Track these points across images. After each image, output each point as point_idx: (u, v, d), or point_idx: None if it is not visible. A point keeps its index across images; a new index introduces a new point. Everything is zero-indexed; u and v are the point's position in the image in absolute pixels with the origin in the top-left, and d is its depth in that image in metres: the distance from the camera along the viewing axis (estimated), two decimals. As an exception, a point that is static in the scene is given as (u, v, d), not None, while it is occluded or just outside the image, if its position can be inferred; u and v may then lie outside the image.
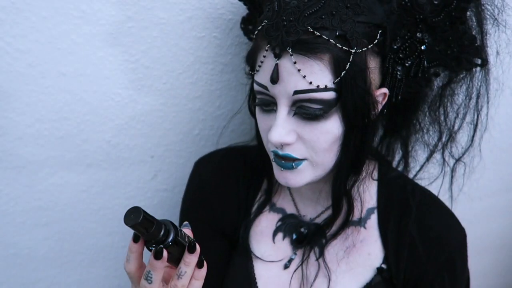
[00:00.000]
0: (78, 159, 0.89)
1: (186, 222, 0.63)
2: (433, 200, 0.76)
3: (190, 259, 0.55)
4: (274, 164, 0.67)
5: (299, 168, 0.64)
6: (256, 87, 0.64)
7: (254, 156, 0.79)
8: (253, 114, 0.72)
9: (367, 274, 0.73)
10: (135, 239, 0.55)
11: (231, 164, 0.82)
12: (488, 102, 0.72)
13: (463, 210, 1.06)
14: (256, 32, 0.63)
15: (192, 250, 0.55)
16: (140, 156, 0.93)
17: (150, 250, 0.55)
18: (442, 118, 0.75)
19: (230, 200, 0.80)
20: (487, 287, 1.54)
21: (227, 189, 0.81)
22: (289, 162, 0.64)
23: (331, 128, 0.61)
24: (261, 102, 0.64)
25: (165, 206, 1.02)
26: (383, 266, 0.72)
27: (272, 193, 0.80)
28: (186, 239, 0.56)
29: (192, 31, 0.83)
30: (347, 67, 0.58)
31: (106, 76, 0.82)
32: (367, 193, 0.74)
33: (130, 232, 1.11)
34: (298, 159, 0.63)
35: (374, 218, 0.74)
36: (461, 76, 0.71)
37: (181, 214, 0.85)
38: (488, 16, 0.66)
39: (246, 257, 0.78)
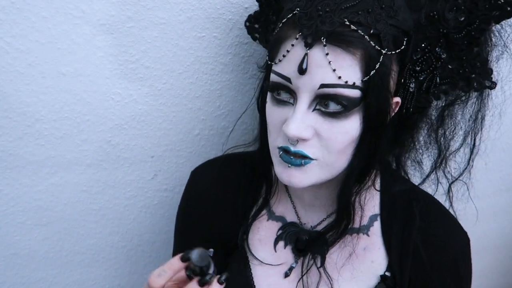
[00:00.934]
0: (78, 159, 0.89)
1: (211, 250, 0.64)
2: (437, 207, 0.75)
3: None
4: (279, 160, 0.64)
5: (307, 166, 0.62)
6: (275, 78, 0.61)
7: (253, 163, 0.77)
8: (259, 109, 0.70)
9: (370, 282, 0.72)
10: (184, 259, 0.57)
11: (229, 173, 0.81)
12: (482, 128, 0.72)
13: (463, 210, 1.05)
14: (283, 21, 0.60)
15: (221, 282, 0.58)
16: (140, 156, 0.93)
17: (188, 275, 0.58)
18: (440, 138, 0.74)
19: (228, 210, 0.79)
20: (487, 287, 1.54)
21: (225, 199, 0.79)
22: (298, 159, 0.61)
23: (350, 129, 0.60)
24: (278, 94, 0.62)
25: (165, 206, 1.02)
26: (387, 273, 0.71)
27: (270, 199, 0.78)
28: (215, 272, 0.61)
29: (192, 31, 0.83)
30: (377, 67, 0.57)
31: (106, 76, 0.82)
32: (370, 200, 0.73)
33: (130, 232, 1.11)
34: (309, 158, 0.61)
35: (377, 225, 0.73)
36: (463, 99, 0.71)
37: (176, 221, 0.84)
38: (497, 42, 0.66)
39: (244, 264, 0.76)
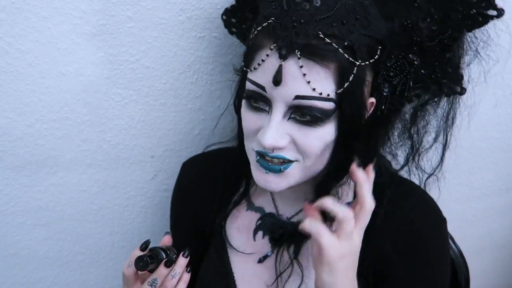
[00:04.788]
0: (78, 159, 0.89)
1: (168, 231, 0.74)
2: (411, 189, 0.74)
3: (183, 262, 0.68)
4: (256, 165, 0.65)
5: (287, 171, 0.63)
6: (250, 86, 0.62)
7: (233, 158, 0.79)
8: (236, 112, 0.70)
9: None
10: (142, 248, 0.67)
11: (211, 167, 0.84)
12: (453, 125, 0.74)
13: (463, 210, 1.06)
14: (259, 29, 0.61)
15: (185, 256, 0.69)
16: (140, 156, 0.93)
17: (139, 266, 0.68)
18: (413, 135, 0.75)
19: (209, 201, 0.82)
20: (487, 287, 1.54)
21: (206, 191, 0.82)
22: (277, 165, 0.63)
23: (325, 134, 0.61)
24: (253, 101, 0.62)
25: (165, 206, 1.02)
26: None
27: (250, 190, 0.80)
28: (173, 252, 0.70)
29: (192, 31, 0.83)
30: (350, 79, 0.58)
31: (106, 76, 0.82)
32: (346, 189, 0.73)
33: (130, 232, 1.11)
34: (290, 161, 0.62)
35: None
36: (436, 100, 0.72)
37: (170, 209, 0.90)
38: (468, 48, 0.68)
39: (222, 249, 0.79)
